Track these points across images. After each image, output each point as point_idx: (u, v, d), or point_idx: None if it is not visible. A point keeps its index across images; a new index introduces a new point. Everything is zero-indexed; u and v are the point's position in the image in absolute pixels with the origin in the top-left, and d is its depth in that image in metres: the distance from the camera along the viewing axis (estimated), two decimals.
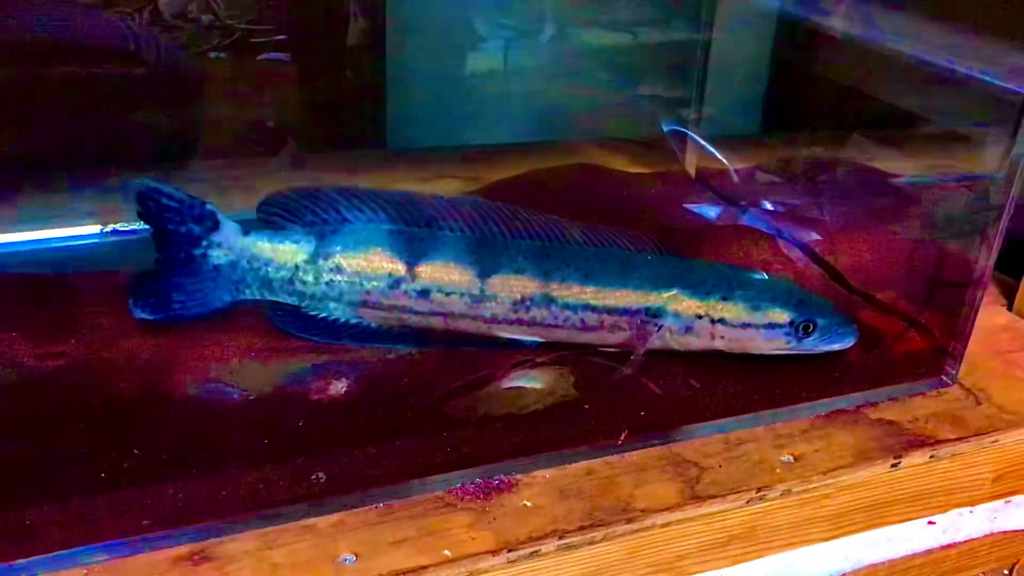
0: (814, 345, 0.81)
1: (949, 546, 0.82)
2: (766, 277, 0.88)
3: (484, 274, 0.79)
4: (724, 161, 1.25)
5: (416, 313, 0.81)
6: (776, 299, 0.81)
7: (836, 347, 0.82)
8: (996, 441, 0.79)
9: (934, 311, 0.92)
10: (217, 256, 0.79)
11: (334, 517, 0.65)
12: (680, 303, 0.80)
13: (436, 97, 1.29)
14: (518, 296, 0.79)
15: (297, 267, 0.80)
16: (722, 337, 0.80)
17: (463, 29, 1.28)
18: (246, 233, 0.80)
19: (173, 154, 1.11)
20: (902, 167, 1.23)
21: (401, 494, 0.67)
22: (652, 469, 0.72)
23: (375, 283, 0.80)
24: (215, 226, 0.79)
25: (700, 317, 0.80)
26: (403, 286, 0.79)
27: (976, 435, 0.79)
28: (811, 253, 1.01)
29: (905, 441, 0.77)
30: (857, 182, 1.21)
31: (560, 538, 0.65)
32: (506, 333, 0.81)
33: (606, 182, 1.11)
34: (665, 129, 1.29)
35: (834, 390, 0.81)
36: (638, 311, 0.80)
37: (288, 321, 0.81)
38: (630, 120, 1.35)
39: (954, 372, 0.85)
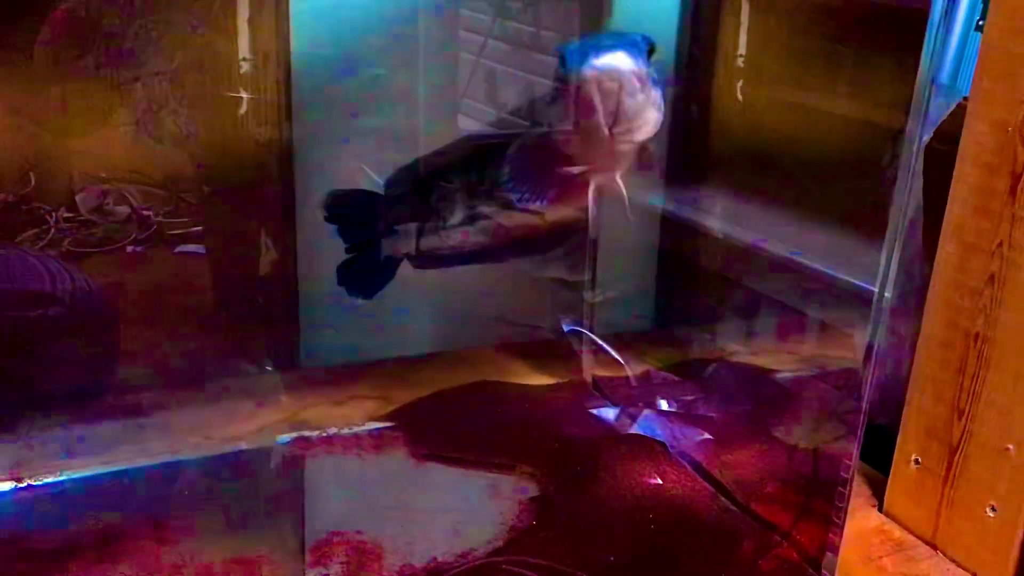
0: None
1: None
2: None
3: None
4: (621, 361, 1.34)
5: None
6: None
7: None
8: None
9: (809, 518, 1.00)
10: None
11: None
12: None
13: (347, 309, 1.36)
14: None
15: None
16: None
17: None
18: None
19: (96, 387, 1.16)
20: (781, 360, 1.34)
21: None
22: None
23: None
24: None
25: None
26: None
27: None
28: (698, 467, 1.09)
29: None
30: (739, 380, 1.30)
31: None
32: None
33: (506, 399, 1.19)
34: (565, 329, 1.38)
35: None
36: None
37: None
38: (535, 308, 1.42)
39: None
